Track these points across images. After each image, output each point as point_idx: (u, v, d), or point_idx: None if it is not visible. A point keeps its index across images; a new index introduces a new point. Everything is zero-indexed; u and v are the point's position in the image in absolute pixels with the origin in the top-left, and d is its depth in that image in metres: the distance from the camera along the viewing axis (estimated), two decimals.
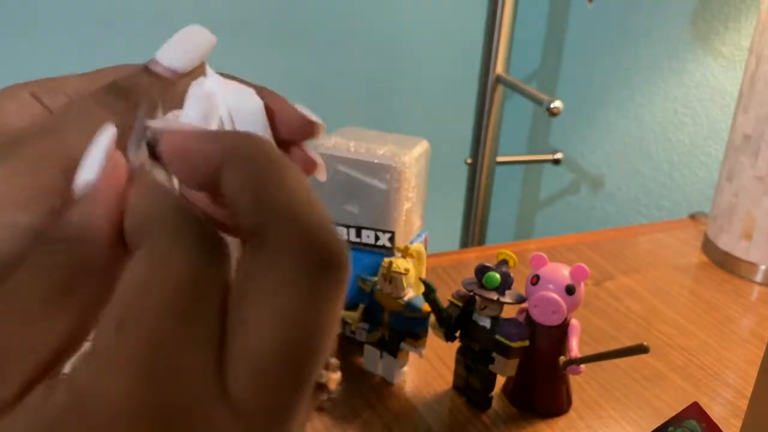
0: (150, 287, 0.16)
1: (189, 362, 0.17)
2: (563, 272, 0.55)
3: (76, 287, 0.17)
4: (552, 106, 1.02)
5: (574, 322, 0.57)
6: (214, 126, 0.25)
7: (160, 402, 0.16)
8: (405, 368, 0.62)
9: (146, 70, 0.23)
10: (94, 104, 0.21)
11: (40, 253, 0.17)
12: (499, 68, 1.14)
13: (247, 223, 0.18)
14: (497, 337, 0.55)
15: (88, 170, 0.19)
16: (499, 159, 1.22)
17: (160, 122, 0.21)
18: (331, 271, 0.17)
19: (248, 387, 0.17)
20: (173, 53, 0.24)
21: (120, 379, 0.16)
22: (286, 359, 0.17)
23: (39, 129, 0.20)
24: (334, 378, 0.55)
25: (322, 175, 0.27)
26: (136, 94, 0.22)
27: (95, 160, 0.19)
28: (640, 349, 0.50)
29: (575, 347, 0.56)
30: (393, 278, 0.57)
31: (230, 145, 0.18)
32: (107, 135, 0.19)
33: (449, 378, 0.61)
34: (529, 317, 0.56)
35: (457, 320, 0.57)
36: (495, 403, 0.59)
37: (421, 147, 0.64)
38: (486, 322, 0.55)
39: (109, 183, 0.18)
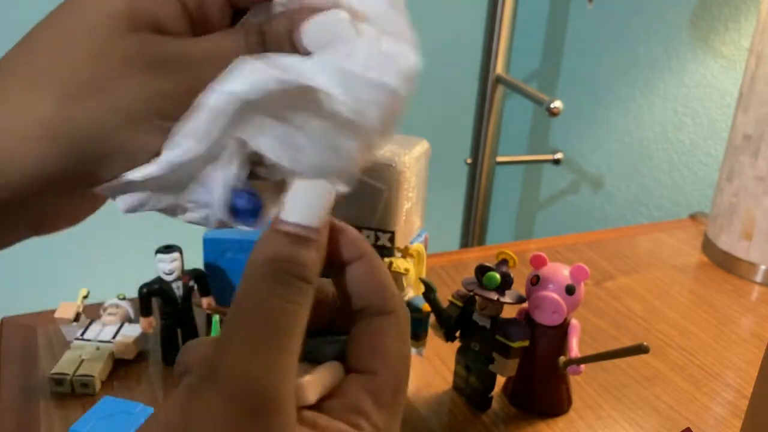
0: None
1: None
2: (563, 272, 0.55)
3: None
4: (552, 106, 1.02)
5: (574, 322, 0.57)
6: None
7: None
8: None
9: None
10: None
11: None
12: (499, 68, 1.14)
13: (379, 303, 0.28)
14: (497, 337, 0.55)
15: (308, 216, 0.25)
16: (499, 159, 1.22)
17: None
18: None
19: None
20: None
21: None
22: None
23: None
24: None
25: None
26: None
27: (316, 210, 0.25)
28: (640, 349, 0.50)
29: (575, 347, 0.56)
30: (393, 278, 0.57)
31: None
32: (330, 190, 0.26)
33: (449, 378, 0.61)
34: (529, 317, 0.56)
35: (457, 320, 0.57)
36: (495, 403, 0.59)
37: (421, 147, 0.64)
38: (486, 322, 0.55)
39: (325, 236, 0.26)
